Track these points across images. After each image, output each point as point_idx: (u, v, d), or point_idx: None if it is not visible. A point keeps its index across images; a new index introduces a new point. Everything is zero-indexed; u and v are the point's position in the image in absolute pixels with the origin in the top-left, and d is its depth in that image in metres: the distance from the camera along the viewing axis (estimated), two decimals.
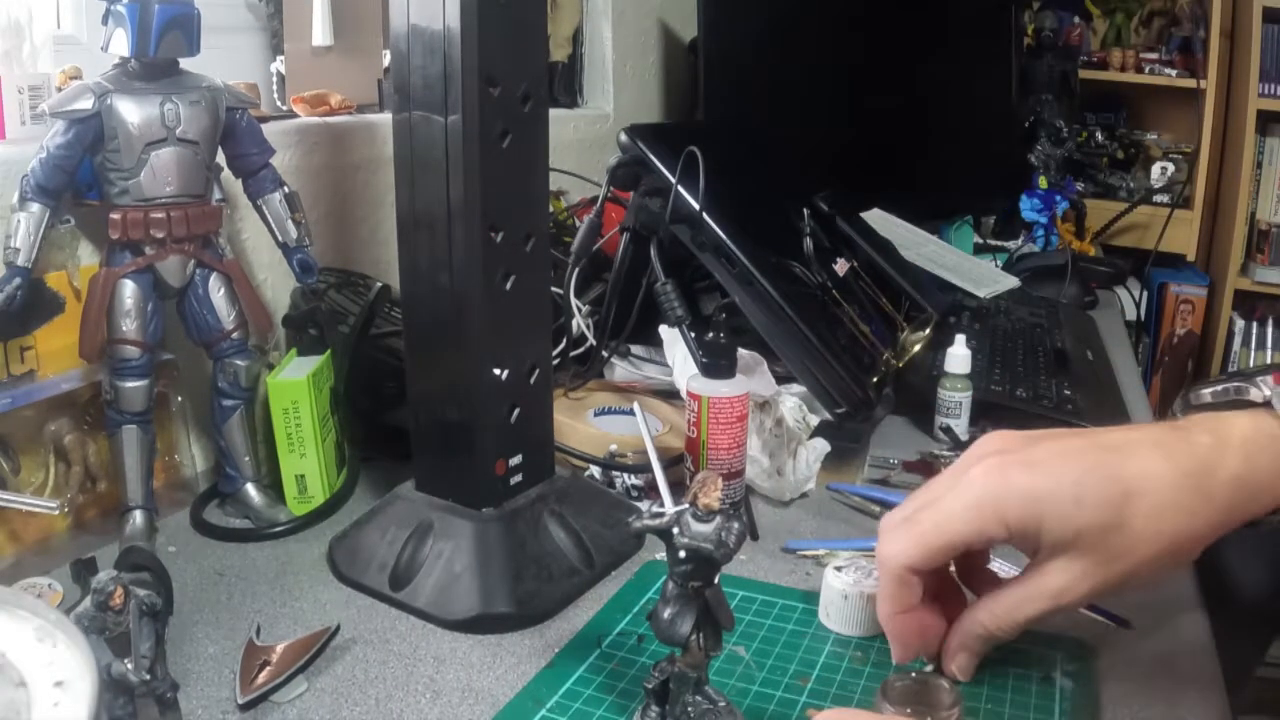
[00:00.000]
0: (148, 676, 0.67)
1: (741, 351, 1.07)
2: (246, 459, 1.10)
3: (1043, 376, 1.45)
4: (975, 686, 0.80)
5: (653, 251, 1.21)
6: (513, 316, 0.94)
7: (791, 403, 1.14)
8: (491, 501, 0.95)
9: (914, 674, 0.74)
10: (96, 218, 1.00)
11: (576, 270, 1.31)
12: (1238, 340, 3.08)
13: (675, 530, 0.69)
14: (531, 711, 0.78)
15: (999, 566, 0.95)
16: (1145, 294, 2.82)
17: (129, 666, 0.67)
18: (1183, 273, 3.11)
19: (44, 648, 0.36)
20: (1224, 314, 3.05)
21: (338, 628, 0.86)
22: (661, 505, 0.75)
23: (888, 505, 1.10)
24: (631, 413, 1.14)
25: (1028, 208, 2.42)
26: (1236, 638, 0.98)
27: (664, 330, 1.22)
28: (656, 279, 1.19)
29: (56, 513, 0.98)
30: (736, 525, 0.68)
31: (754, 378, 1.11)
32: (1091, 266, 2.27)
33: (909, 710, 0.66)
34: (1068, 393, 1.39)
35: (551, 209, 1.35)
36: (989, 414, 1.30)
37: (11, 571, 0.95)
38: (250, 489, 1.10)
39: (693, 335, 1.14)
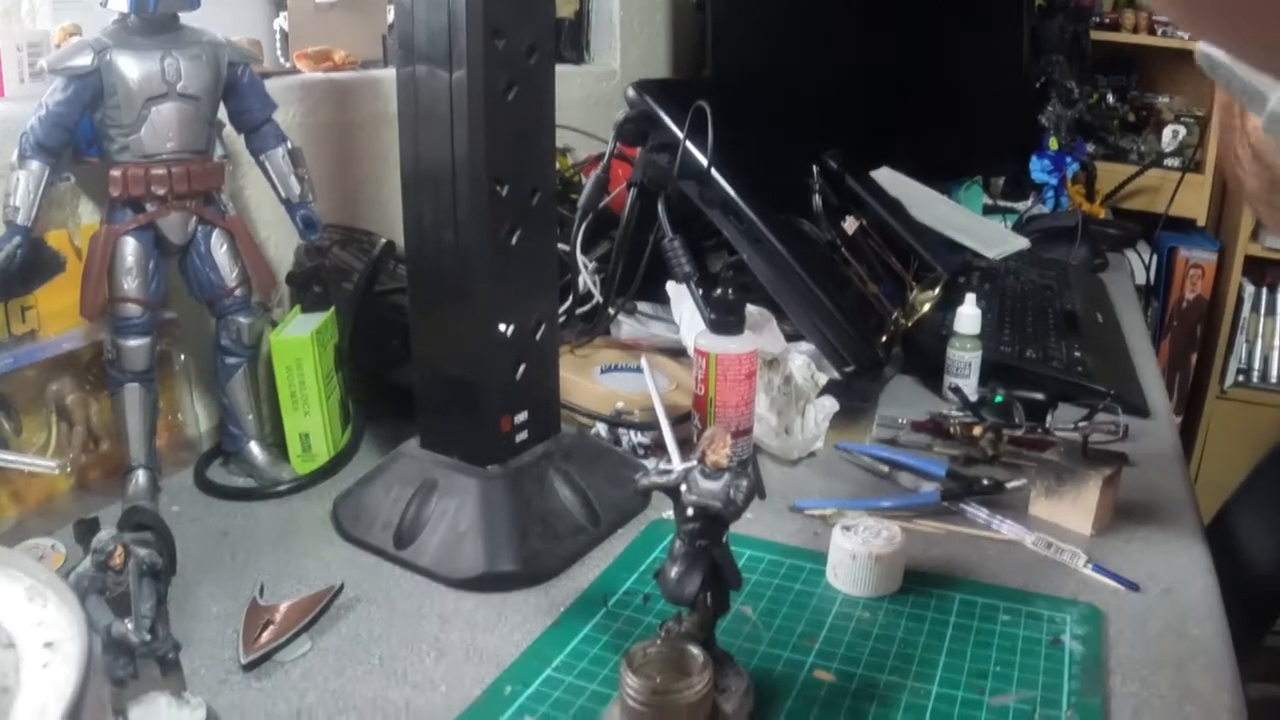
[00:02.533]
0: (149, 637, 0.67)
1: (750, 308, 1.06)
2: (250, 417, 1.09)
3: (1053, 338, 1.44)
4: (983, 650, 0.80)
5: (660, 207, 1.20)
6: (518, 271, 0.93)
7: (800, 360, 1.13)
8: (497, 459, 0.95)
9: (660, 638, 0.69)
10: (97, 175, 0.98)
11: (583, 227, 1.30)
12: (1247, 306, 3.06)
13: (683, 487, 0.68)
14: (537, 670, 0.77)
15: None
16: (1154, 258, 2.79)
17: (130, 627, 0.66)
18: (1193, 237, 3.08)
19: (34, 607, 0.35)
20: (1234, 279, 3.02)
21: (341, 587, 0.86)
22: (669, 462, 0.73)
23: (896, 465, 1.09)
24: (638, 370, 1.13)
25: (1038, 169, 2.39)
26: (1246, 606, 0.98)
27: (671, 287, 1.20)
28: (664, 235, 1.18)
29: (56, 472, 0.98)
30: (745, 482, 0.67)
31: (763, 334, 1.10)
32: (1101, 229, 2.25)
33: (657, 678, 0.62)
34: (1078, 354, 1.38)
35: (557, 166, 1.33)
36: (999, 375, 1.29)
37: (14, 532, 0.95)
38: (254, 448, 1.09)
39: (700, 292, 1.13)
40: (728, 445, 0.67)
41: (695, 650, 0.63)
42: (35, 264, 0.96)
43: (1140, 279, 2.47)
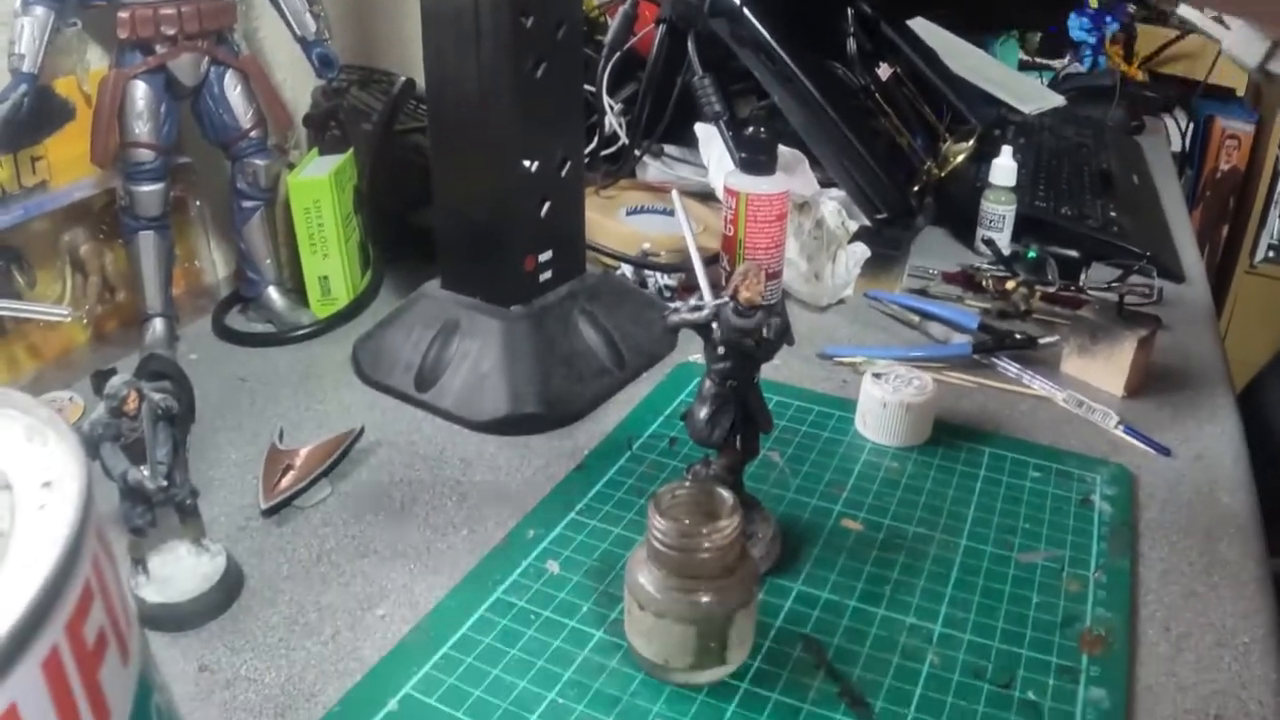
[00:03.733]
0: (165, 483, 0.65)
1: (782, 148, 1.03)
2: (268, 262, 1.07)
3: (1088, 196, 1.40)
4: (1013, 505, 0.78)
5: (690, 45, 1.15)
6: (543, 106, 0.90)
7: (832, 205, 1.10)
8: (520, 299, 0.92)
9: (687, 480, 0.68)
10: (104, 18, 0.95)
11: (609, 66, 1.26)
12: None
13: (714, 324, 0.65)
14: (561, 514, 0.76)
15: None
16: (1191, 125, 2.71)
17: (146, 474, 0.64)
18: (1230, 107, 2.99)
19: (33, 447, 0.33)
20: (1270, 153, 2.92)
21: (362, 430, 0.84)
22: (700, 299, 0.71)
23: (927, 316, 1.07)
24: (665, 212, 1.10)
25: (1076, 27, 2.32)
26: (1272, 481, 0.96)
27: (700, 128, 1.17)
28: (694, 73, 1.14)
29: (68, 319, 0.97)
30: (778, 320, 0.65)
31: (794, 176, 1.06)
32: (1138, 91, 2.19)
33: (685, 521, 0.61)
34: (1113, 215, 1.35)
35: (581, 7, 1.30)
36: (1032, 230, 1.26)
37: (33, 386, 0.94)
38: (272, 292, 1.08)
39: (730, 133, 1.10)
40: (762, 281, 0.64)
41: (725, 493, 0.62)
42: (44, 113, 0.93)
43: (1175, 146, 2.41)
